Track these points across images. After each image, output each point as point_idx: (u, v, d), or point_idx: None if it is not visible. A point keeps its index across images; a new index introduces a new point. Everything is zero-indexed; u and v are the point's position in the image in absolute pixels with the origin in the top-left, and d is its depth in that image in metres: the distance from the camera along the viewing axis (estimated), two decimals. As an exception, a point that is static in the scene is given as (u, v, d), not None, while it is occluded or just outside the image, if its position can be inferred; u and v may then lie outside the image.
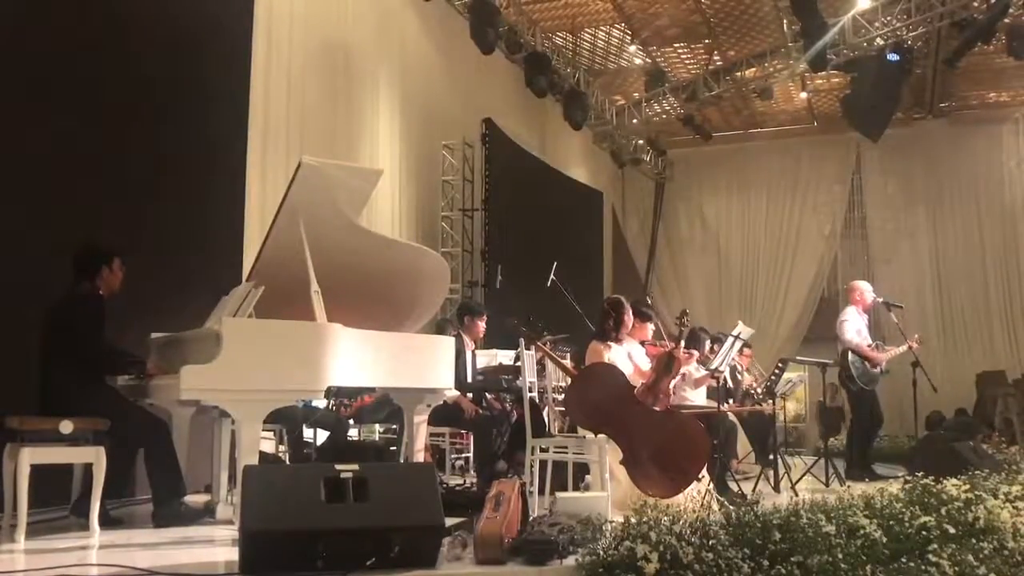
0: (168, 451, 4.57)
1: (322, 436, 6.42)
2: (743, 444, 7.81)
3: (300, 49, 7.85)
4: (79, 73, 5.47)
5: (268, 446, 5.94)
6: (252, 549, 3.19)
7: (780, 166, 15.51)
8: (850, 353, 7.66)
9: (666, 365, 5.14)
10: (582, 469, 5.38)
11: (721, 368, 6.92)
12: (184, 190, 6.07)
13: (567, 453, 5.18)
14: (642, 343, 6.06)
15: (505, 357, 7.66)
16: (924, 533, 3.89)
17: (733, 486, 6.10)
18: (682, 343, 5.49)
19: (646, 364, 5.55)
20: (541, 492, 5.04)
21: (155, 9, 6.03)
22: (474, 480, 6.30)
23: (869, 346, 7.69)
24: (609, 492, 4.66)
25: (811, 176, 15.34)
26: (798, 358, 9.44)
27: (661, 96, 13.70)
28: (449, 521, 3.49)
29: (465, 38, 10.08)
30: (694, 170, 16.28)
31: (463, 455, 7.42)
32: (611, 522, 3.69)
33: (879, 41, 11.37)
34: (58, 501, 4.65)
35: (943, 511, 4.19)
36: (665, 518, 3.45)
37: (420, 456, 5.50)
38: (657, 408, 5.00)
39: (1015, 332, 14.07)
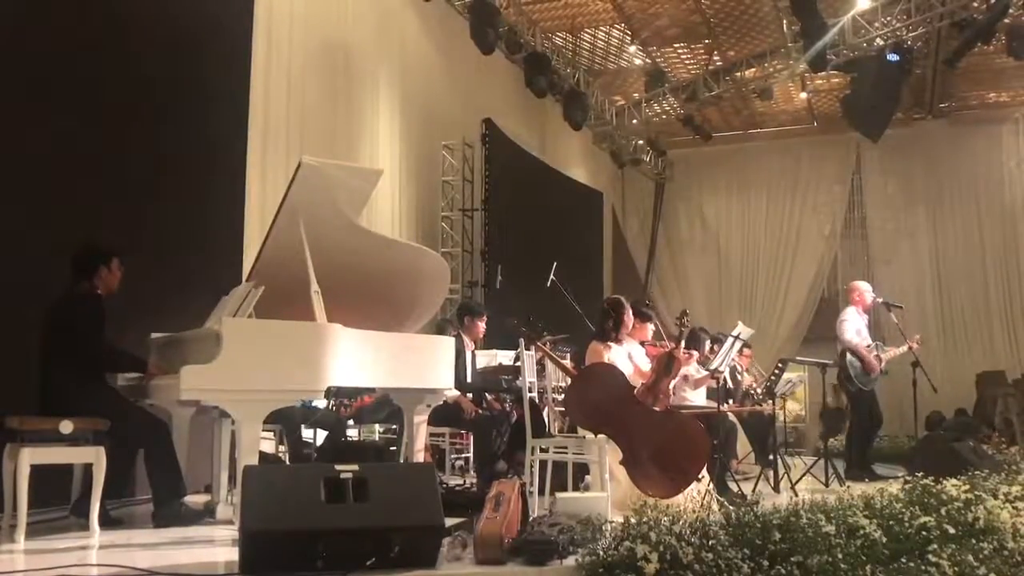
0: (168, 451, 4.57)
1: (322, 436, 6.43)
2: (743, 444, 7.82)
3: (300, 49, 7.85)
4: (79, 73, 5.47)
5: (268, 446, 5.94)
6: (252, 549, 3.19)
7: (780, 166, 15.50)
8: (848, 353, 7.66)
9: (666, 365, 5.14)
10: (582, 469, 5.38)
11: (721, 368, 6.92)
12: (184, 190, 6.07)
13: (567, 453, 5.18)
14: (642, 343, 6.06)
15: (505, 357, 7.66)
16: (924, 533, 3.90)
17: (733, 486, 6.10)
18: (682, 344, 5.49)
19: (646, 364, 5.55)
20: (541, 492, 5.04)
21: (155, 9, 6.03)
22: (474, 480, 6.30)
23: (868, 347, 7.69)
24: (609, 492, 4.66)
25: (811, 176, 15.33)
26: (798, 358, 9.43)
27: (661, 96, 13.69)
28: (449, 521, 3.50)
29: (465, 38, 10.08)
30: (694, 170, 16.27)
31: (463, 455, 7.42)
32: (611, 522, 3.69)
33: (879, 41, 11.37)
34: (58, 501, 4.65)
35: (943, 511, 4.19)
36: (665, 518, 3.45)
37: (420, 456, 5.50)
38: (657, 408, 5.01)
39: (1015, 332, 14.07)
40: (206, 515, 4.64)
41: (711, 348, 7.68)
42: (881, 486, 4.77)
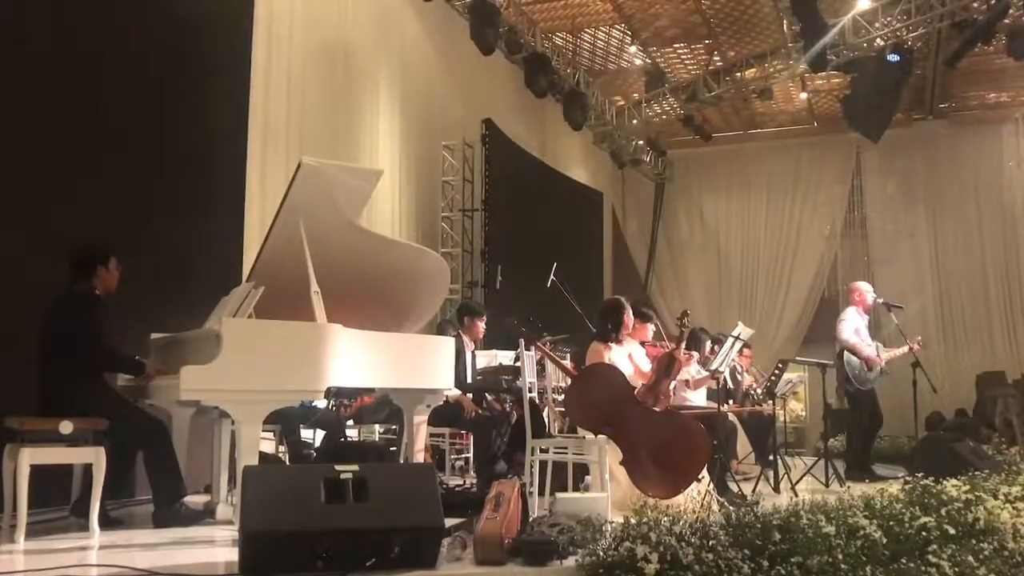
0: (168, 452, 4.57)
1: (321, 437, 6.43)
2: (743, 445, 7.82)
3: (300, 49, 7.85)
4: (79, 73, 5.47)
5: (268, 446, 5.94)
6: (252, 550, 3.19)
7: (780, 167, 15.50)
8: (846, 353, 7.67)
9: (666, 366, 5.14)
10: (582, 470, 5.38)
11: (721, 369, 6.92)
12: (184, 190, 6.07)
13: (567, 454, 5.18)
14: (642, 344, 6.06)
15: (505, 357, 7.66)
16: (924, 534, 3.89)
17: (733, 487, 6.09)
18: (683, 344, 5.49)
19: (646, 365, 5.55)
20: (541, 493, 5.04)
21: (155, 9, 6.03)
22: (474, 481, 6.30)
23: (867, 347, 7.69)
24: (609, 493, 4.66)
25: (811, 177, 15.33)
26: (798, 359, 9.44)
27: (661, 97, 13.69)
28: (449, 522, 3.50)
29: (465, 38, 10.08)
30: (694, 171, 16.27)
31: (463, 456, 7.42)
32: (611, 523, 3.69)
33: (879, 42, 11.36)
34: (58, 501, 4.65)
35: (943, 512, 4.19)
36: (665, 519, 3.45)
37: (420, 457, 5.50)
38: (657, 409, 5.01)
39: (1015, 332, 14.07)
40: (206, 515, 4.63)
41: (711, 349, 7.68)
42: (881, 486, 4.77)
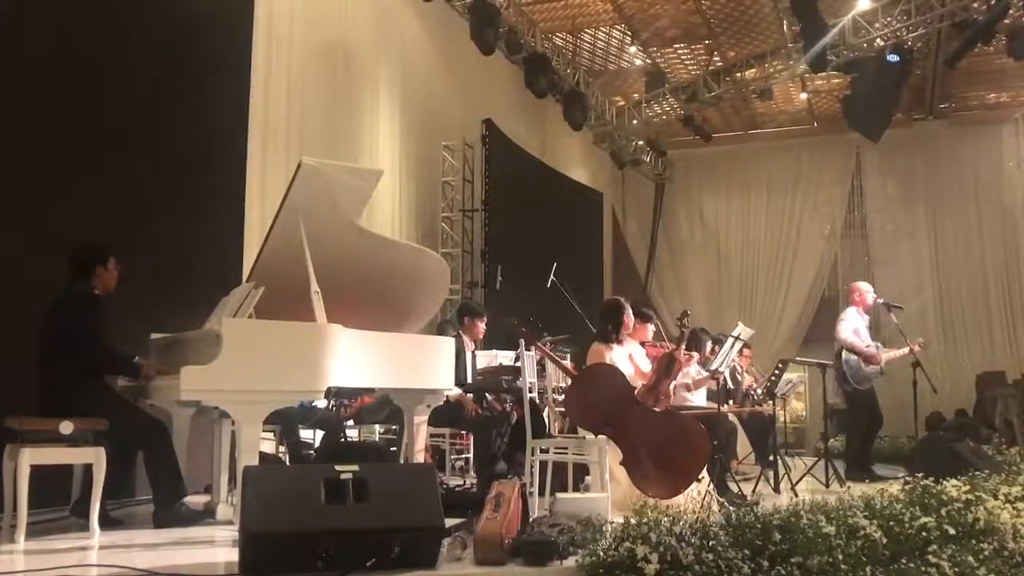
0: (168, 452, 4.57)
1: (321, 437, 6.42)
2: (743, 445, 7.82)
3: (300, 49, 7.85)
4: (79, 73, 5.47)
5: (268, 447, 5.94)
6: (252, 550, 3.19)
7: (780, 167, 15.50)
8: (844, 352, 7.67)
9: (666, 366, 5.14)
10: (582, 470, 5.38)
11: (721, 369, 6.92)
12: (184, 190, 6.07)
13: (567, 454, 5.18)
14: (642, 344, 6.06)
15: (505, 358, 7.66)
16: (924, 534, 3.89)
17: (733, 487, 6.09)
18: (683, 345, 5.49)
19: (646, 365, 5.55)
20: (541, 493, 5.04)
21: (155, 9, 6.03)
22: (474, 481, 6.30)
23: (867, 347, 7.69)
24: (609, 493, 4.66)
25: (811, 177, 15.33)
26: (798, 359, 9.43)
27: (661, 97, 13.69)
28: (449, 522, 3.50)
29: (465, 39, 10.08)
30: (694, 171, 16.27)
31: (463, 456, 7.42)
32: (611, 523, 3.69)
33: (879, 42, 11.36)
34: (58, 502, 4.65)
35: (943, 512, 4.18)
36: (665, 519, 3.45)
37: (420, 457, 5.50)
38: (657, 409, 5.01)
39: (1015, 333, 14.07)
40: (206, 516, 4.63)
41: (712, 349, 7.68)
42: (881, 487, 4.77)
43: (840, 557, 3.39)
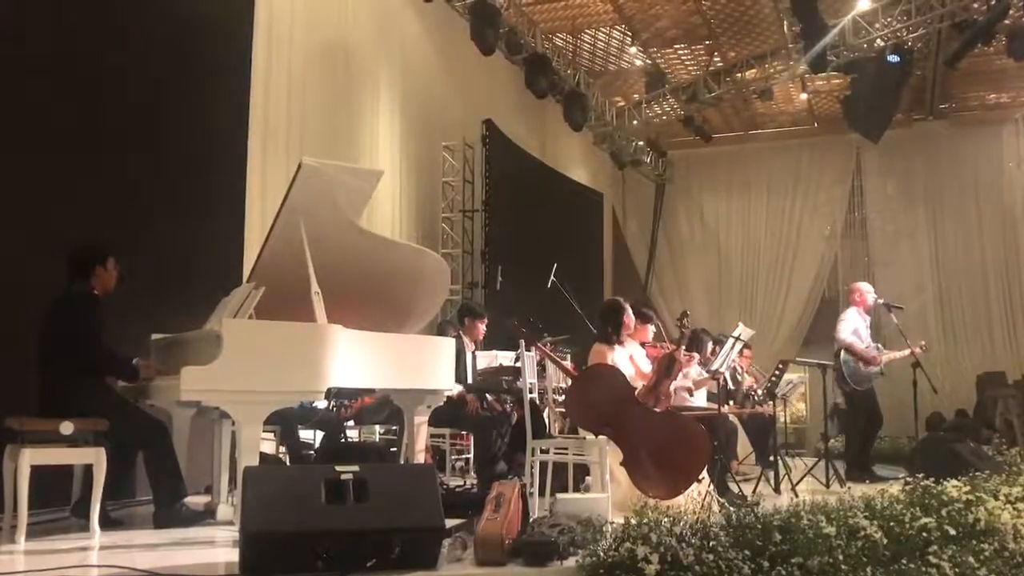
0: (168, 452, 4.57)
1: (321, 437, 6.43)
2: (743, 445, 7.81)
3: (300, 49, 7.85)
4: (79, 73, 5.47)
5: (268, 447, 5.94)
6: (253, 550, 3.19)
7: (780, 167, 15.50)
8: (843, 352, 7.68)
9: (667, 367, 5.14)
10: (582, 470, 5.37)
11: (721, 370, 6.92)
12: (184, 190, 6.07)
13: (567, 454, 5.17)
14: (642, 345, 6.06)
15: (505, 358, 7.66)
16: (924, 534, 3.89)
17: (733, 487, 6.09)
18: (683, 345, 5.49)
19: (647, 366, 5.54)
20: (541, 493, 5.04)
21: (155, 9, 6.03)
22: (474, 481, 6.30)
23: (866, 347, 7.69)
24: (609, 493, 4.66)
25: (811, 177, 15.34)
26: (798, 359, 9.44)
27: (661, 97, 13.69)
28: (449, 522, 3.50)
29: (465, 39, 10.08)
30: (694, 171, 16.28)
31: (463, 456, 7.42)
32: (611, 523, 3.69)
33: (879, 42, 11.36)
34: (58, 502, 4.65)
35: (943, 512, 4.18)
36: (665, 519, 3.45)
37: (420, 457, 5.50)
38: (658, 410, 5.00)
39: (1015, 333, 14.07)
40: (207, 516, 4.63)
41: (713, 350, 7.68)
42: (882, 487, 4.77)
43: (840, 558, 3.39)
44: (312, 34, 8.06)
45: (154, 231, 5.76)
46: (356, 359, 4.50)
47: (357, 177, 4.97)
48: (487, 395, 6.55)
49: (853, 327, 7.75)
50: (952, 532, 3.97)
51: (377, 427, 7.57)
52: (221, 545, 4.06)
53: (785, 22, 11.51)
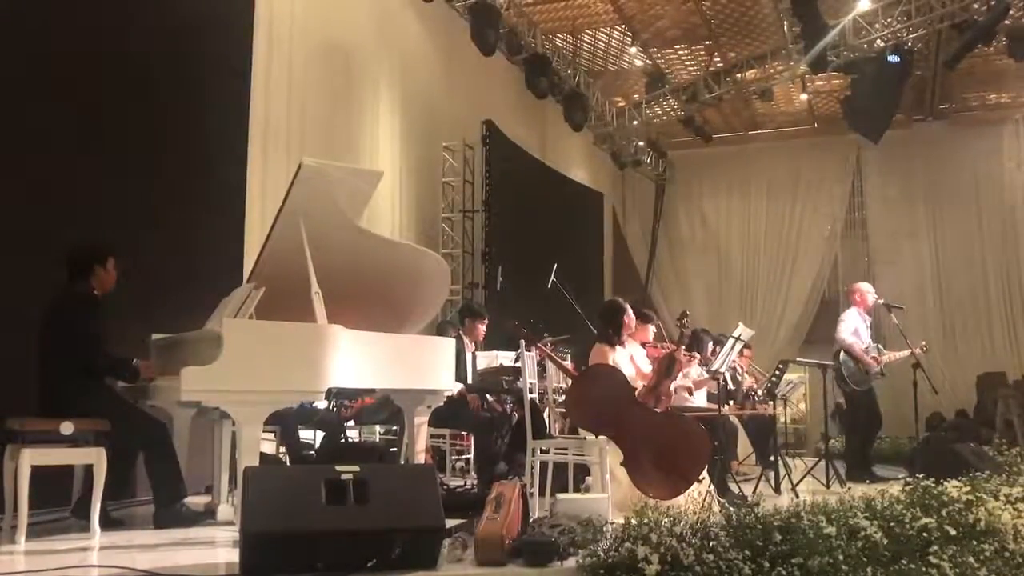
0: (168, 452, 4.57)
1: (321, 438, 6.43)
2: (744, 446, 7.81)
3: (300, 50, 7.85)
4: (79, 73, 5.46)
5: (268, 447, 5.94)
6: (253, 550, 3.19)
7: (780, 167, 15.51)
8: (843, 353, 7.68)
9: (667, 367, 5.14)
10: (583, 470, 5.37)
11: (721, 370, 6.92)
12: (184, 190, 6.07)
13: (567, 455, 5.17)
14: (643, 345, 6.06)
15: (505, 358, 7.66)
16: (925, 535, 3.89)
17: (734, 488, 6.09)
18: (683, 346, 5.48)
19: (647, 366, 5.54)
20: (542, 494, 5.03)
21: (155, 9, 6.03)
22: (474, 481, 6.30)
23: (865, 348, 7.69)
24: (610, 494, 4.65)
25: (811, 177, 15.34)
26: (798, 359, 9.43)
27: (661, 98, 13.69)
28: (450, 523, 3.50)
29: (466, 39, 10.08)
30: (694, 172, 16.28)
31: (464, 456, 7.42)
32: (612, 524, 3.68)
33: (879, 43, 11.36)
34: (59, 502, 4.64)
35: (944, 513, 4.18)
36: (666, 520, 3.45)
37: (421, 457, 5.49)
38: (658, 410, 5.00)
39: (1015, 333, 14.08)
40: (207, 516, 4.63)
41: (714, 350, 7.68)
42: (882, 487, 4.77)
43: (841, 558, 3.39)
44: (312, 34, 8.06)
45: (154, 231, 5.76)
46: (356, 359, 4.50)
47: (357, 177, 4.97)
48: (487, 395, 6.55)
49: (853, 327, 7.75)
50: (952, 532, 3.97)
51: (377, 427, 7.57)
52: (221, 545, 4.05)
53: (785, 22, 11.51)
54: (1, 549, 3.90)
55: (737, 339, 6.90)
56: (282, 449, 6.13)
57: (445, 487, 5.65)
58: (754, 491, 6.24)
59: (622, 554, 3.16)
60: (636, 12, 11.45)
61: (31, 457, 4.05)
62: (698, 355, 6.80)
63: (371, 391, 6.23)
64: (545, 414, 5.96)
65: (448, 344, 5.48)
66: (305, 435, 6.37)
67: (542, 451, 5.11)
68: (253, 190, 7.00)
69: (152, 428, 4.57)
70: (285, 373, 4.15)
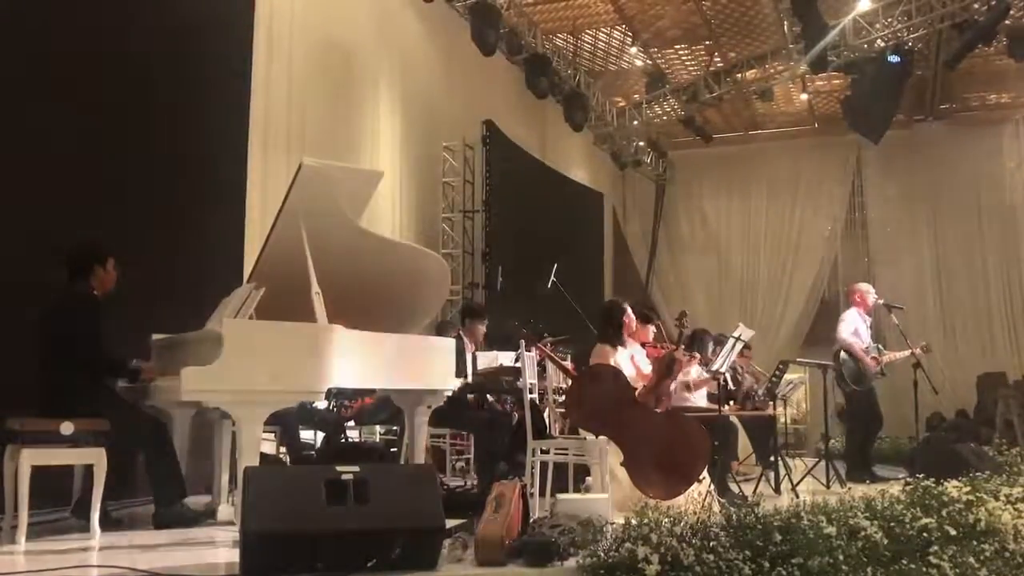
0: (168, 452, 4.57)
1: (322, 438, 6.43)
2: (744, 446, 7.81)
3: (301, 50, 7.85)
4: (79, 73, 5.46)
5: (268, 447, 5.94)
6: (253, 551, 3.18)
7: (780, 167, 15.50)
8: (842, 352, 7.68)
9: (667, 367, 5.14)
10: (583, 471, 5.37)
11: (722, 370, 6.91)
12: (184, 190, 6.07)
13: (568, 455, 5.17)
14: (643, 345, 6.05)
15: (506, 358, 7.65)
16: (925, 535, 3.89)
17: (734, 488, 6.09)
18: (683, 346, 5.48)
19: (647, 366, 5.54)
20: (542, 494, 5.04)
21: (155, 9, 6.03)
22: (475, 482, 6.30)
23: (865, 348, 7.69)
24: (610, 494, 4.65)
25: (812, 178, 15.35)
26: (798, 360, 9.43)
27: (662, 98, 13.70)
28: (450, 523, 3.49)
29: (466, 39, 10.08)
30: (695, 172, 16.28)
31: (464, 456, 7.41)
32: (612, 524, 3.68)
33: (880, 43, 11.37)
34: (59, 502, 4.64)
35: (944, 513, 4.18)
36: (666, 520, 3.45)
37: (421, 457, 5.49)
38: (658, 410, 5.00)
39: (1016, 333, 14.08)
40: (207, 516, 4.63)
41: (714, 350, 7.67)
42: (882, 487, 4.77)
43: (841, 558, 3.39)
44: (312, 34, 8.06)
45: (154, 231, 5.75)
46: (356, 359, 4.50)
47: (358, 178, 4.97)
48: (488, 395, 6.55)
49: (853, 327, 7.75)
50: (952, 532, 3.97)
51: (377, 427, 7.57)
52: (221, 545, 4.05)
53: (785, 22, 11.51)
54: (1, 549, 3.90)
55: (737, 339, 6.89)
56: (282, 449, 6.13)
57: (445, 487, 5.65)
58: (754, 491, 6.24)
59: (622, 554, 3.16)
60: (636, 12, 11.45)
61: (31, 457, 4.05)
62: (698, 355, 6.79)
63: (371, 391, 6.23)
64: (545, 414, 5.95)
65: (448, 344, 5.48)
66: (305, 435, 6.37)
67: (542, 451, 5.11)
68: (252, 190, 6.99)
69: (152, 428, 4.56)
70: (285, 373, 4.15)
